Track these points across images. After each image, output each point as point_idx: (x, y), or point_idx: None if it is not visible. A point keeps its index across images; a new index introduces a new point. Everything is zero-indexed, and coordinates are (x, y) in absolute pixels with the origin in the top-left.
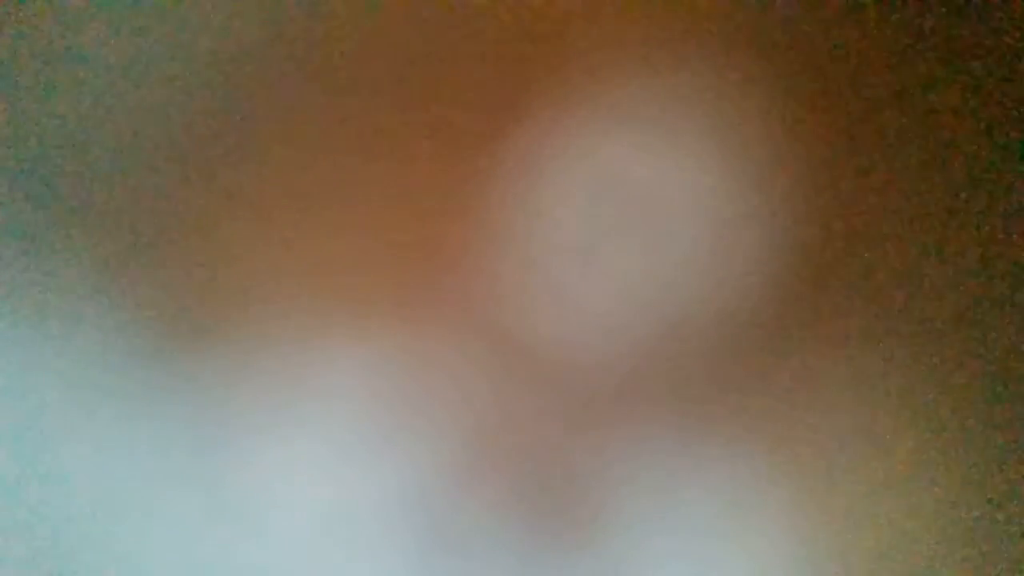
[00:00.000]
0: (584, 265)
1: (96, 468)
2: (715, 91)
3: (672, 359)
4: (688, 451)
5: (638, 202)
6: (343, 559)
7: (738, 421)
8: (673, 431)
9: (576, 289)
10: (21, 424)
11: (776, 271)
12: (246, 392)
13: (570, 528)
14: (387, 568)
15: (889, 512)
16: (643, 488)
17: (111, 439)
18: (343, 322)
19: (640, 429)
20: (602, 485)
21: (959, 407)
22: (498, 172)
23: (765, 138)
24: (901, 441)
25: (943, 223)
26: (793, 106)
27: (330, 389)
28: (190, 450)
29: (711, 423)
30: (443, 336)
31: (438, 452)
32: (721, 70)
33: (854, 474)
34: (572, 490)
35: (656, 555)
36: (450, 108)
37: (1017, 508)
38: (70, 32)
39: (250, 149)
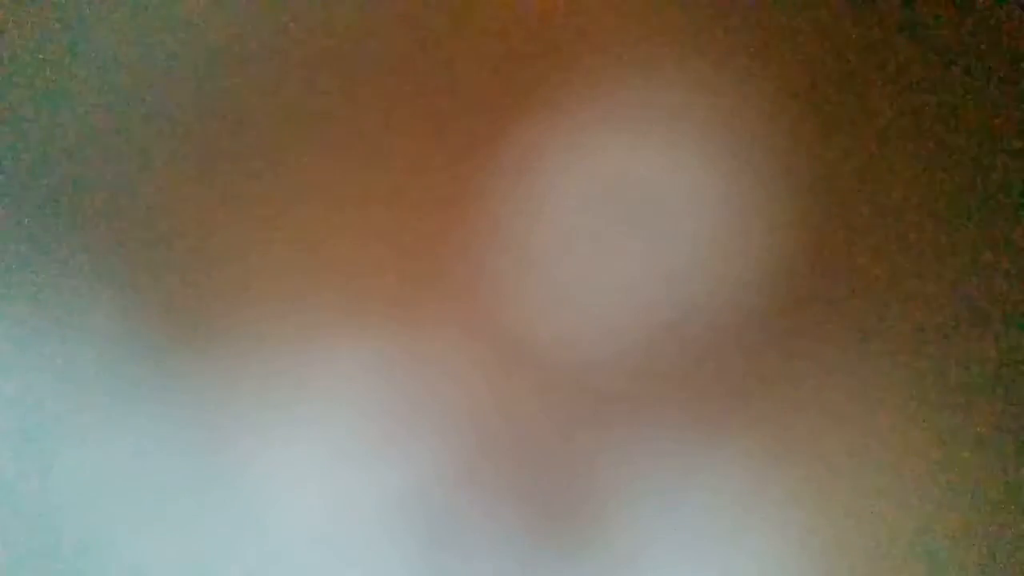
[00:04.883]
0: (585, 265)
1: (95, 468)
2: (715, 91)
3: (672, 359)
4: (689, 451)
5: (638, 202)
6: (343, 559)
7: (739, 421)
8: (674, 431)
9: (577, 289)
10: (20, 424)
11: (776, 271)
12: (246, 392)
13: (570, 528)
14: (387, 568)
15: (889, 512)
16: (644, 488)
17: (110, 439)
18: (343, 322)
19: (641, 429)
20: (602, 485)
21: (960, 407)
22: (498, 172)
23: (765, 138)
24: (902, 441)
25: (943, 223)
26: (793, 106)
27: (330, 389)
28: (190, 450)
29: (712, 423)
30: (443, 336)
31: (438, 452)
32: (721, 70)
33: (856, 475)
34: (572, 490)
35: (657, 555)
36: (450, 108)
37: (1017, 508)
38: (70, 32)
39: (250, 149)
